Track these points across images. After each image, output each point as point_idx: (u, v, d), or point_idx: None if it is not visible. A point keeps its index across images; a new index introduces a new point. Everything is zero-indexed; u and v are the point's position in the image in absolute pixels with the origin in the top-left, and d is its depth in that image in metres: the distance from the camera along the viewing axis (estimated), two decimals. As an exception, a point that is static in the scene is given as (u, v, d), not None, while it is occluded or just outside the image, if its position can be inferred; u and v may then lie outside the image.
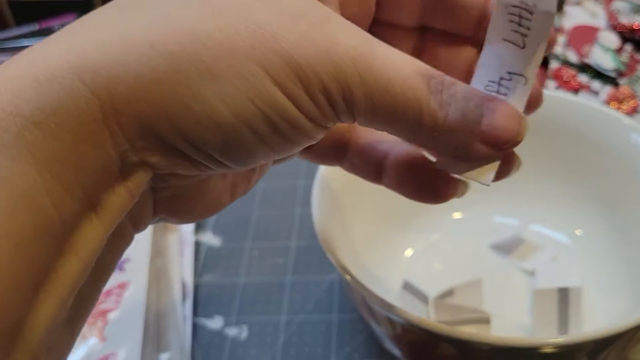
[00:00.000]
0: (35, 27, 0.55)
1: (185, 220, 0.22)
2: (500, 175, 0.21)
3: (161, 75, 0.16)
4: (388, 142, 0.24)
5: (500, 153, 0.20)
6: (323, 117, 0.18)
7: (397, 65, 0.18)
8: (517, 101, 0.20)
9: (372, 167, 0.24)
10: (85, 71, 0.15)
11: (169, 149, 0.17)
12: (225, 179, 0.22)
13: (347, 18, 0.19)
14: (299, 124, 0.18)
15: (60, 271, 0.15)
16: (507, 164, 0.21)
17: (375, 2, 0.22)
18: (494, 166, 0.20)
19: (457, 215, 0.39)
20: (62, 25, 0.55)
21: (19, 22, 0.57)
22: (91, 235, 0.16)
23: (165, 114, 0.16)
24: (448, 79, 0.19)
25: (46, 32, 0.54)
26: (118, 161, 0.16)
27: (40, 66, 0.15)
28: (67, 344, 0.17)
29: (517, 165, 0.22)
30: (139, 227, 0.19)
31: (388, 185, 0.24)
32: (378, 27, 0.23)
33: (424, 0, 0.22)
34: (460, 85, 0.19)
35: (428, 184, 0.23)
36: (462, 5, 0.22)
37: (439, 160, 0.21)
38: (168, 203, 0.20)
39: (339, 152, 0.25)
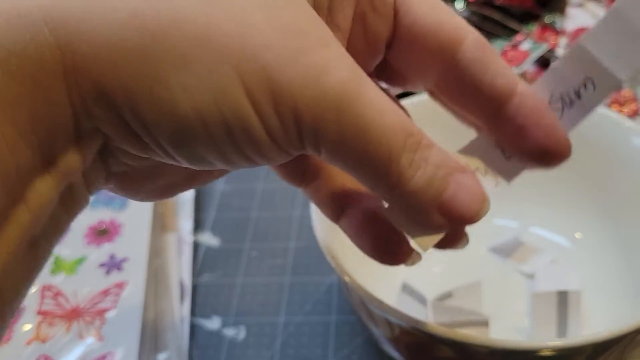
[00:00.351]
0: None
1: (134, 197, 0.21)
2: (443, 246, 0.21)
3: (130, 47, 0.15)
4: (361, 191, 0.23)
5: (454, 227, 0.20)
6: (287, 143, 0.17)
7: (380, 111, 0.17)
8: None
9: (335, 205, 0.23)
10: (55, 19, 0.15)
11: (122, 124, 0.16)
12: (183, 168, 0.21)
13: (352, 53, 0.18)
14: (259, 141, 0.17)
15: (11, 219, 0.15)
16: (454, 240, 0.22)
17: (384, 46, 0.21)
18: (437, 237, 0.20)
19: (456, 217, 0.39)
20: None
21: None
22: (43, 189, 0.15)
23: (124, 88, 0.15)
24: (426, 140, 0.18)
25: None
26: (73, 122, 0.16)
27: (11, 3, 0.15)
28: (18, 297, 0.17)
29: (464, 242, 0.22)
30: (92, 190, 0.18)
31: (344, 229, 0.23)
32: (384, 69, 0.22)
33: (444, 71, 0.20)
34: (435, 150, 0.18)
35: (384, 240, 0.22)
36: (483, 90, 0.20)
37: (390, 207, 0.20)
38: (119, 177, 0.19)
39: (306, 175, 0.24)
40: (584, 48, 0.20)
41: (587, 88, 0.20)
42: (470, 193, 0.19)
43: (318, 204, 0.24)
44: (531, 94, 0.20)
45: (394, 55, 0.21)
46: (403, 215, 0.20)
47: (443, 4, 0.20)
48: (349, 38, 0.20)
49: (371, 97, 0.17)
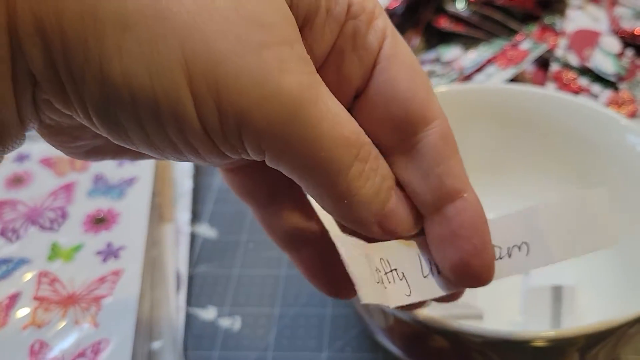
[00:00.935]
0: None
1: (62, 150, 0.20)
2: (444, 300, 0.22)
3: None
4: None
5: (391, 237, 0.20)
6: (223, 140, 0.16)
7: (336, 120, 0.16)
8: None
9: (289, 238, 0.23)
10: None
11: (52, 69, 0.15)
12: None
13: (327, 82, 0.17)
14: (190, 130, 0.15)
15: None
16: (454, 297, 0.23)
17: (353, 93, 0.20)
18: (380, 292, 0.20)
19: (453, 212, 0.39)
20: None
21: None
22: None
23: (61, 31, 0.14)
24: (375, 151, 0.18)
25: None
26: (9, 56, 0.15)
27: None
28: None
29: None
30: (24, 131, 0.17)
31: (295, 262, 0.23)
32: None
33: (399, 143, 0.19)
34: (383, 162, 0.18)
35: (334, 274, 0.22)
36: (430, 181, 0.20)
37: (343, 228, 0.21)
38: (48, 127, 0.18)
39: (267, 197, 0.23)
40: (537, 215, 0.21)
41: (521, 251, 0.21)
42: (410, 208, 0.20)
43: (270, 229, 0.23)
44: (475, 206, 0.20)
45: (357, 107, 0.20)
46: (347, 228, 0.20)
47: (426, 79, 0.19)
48: (319, 69, 0.18)
49: (328, 105, 0.16)
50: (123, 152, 0.21)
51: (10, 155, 0.44)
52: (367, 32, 0.19)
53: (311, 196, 0.19)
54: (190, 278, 0.39)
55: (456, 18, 0.50)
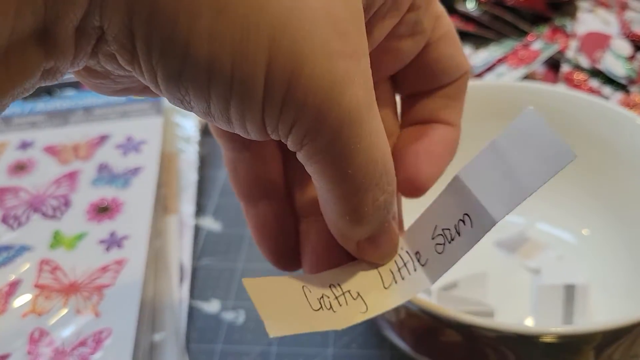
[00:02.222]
0: None
1: (90, 87, 0.19)
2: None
3: None
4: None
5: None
6: (274, 128, 0.17)
7: (375, 143, 0.17)
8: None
9: (252, 181, 0.23)
10: None
11: (129, 35, 0.15)
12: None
13: (373, 60, 0.18)
14: (250, 115, 0.16)
15: None
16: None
17: (402, 66, 0.22)
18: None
19: (462, 210, 0.39)
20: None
21: None
22: (30, 61, 0.14)
23: (152, 1, 0.14)
24: (394, 186, 0.19)
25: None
26: (84, 11, 0.14)
27: None
28: None
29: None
30: (66, 72, 0.17)
31: (248, 211, 0.23)
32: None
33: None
34: (394, 199, 0.19)
35: (281, 240, 0.23)
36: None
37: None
38: (88, 70, 0.18)
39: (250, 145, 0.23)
40: (461, 181, 0.20)
41: (466, 224, 0.20)
42: (389, 245, 0.21)
43: (235, 174, 0.23)
44: (455, 141, 0.23)
45: (401, 74, 0.22)
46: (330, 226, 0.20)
47: (461, 49, 0.23)
48: (376, 47, 0.20)
49: (372, 126, 0.17)
50: (150, 92, 0.21)
51: (14, 143, 0.43)
52: (424, 19, 0.21)
53: (319, 193, 0.19)
54: (194, 271, 0.38)
55: (467, 18, 0.50)
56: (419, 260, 0.21)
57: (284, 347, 0.33)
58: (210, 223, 0.42)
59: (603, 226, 0.35)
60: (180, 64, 0.15)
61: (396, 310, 0.27)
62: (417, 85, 0.23)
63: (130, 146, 0.42)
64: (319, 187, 0.19)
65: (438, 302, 0.32)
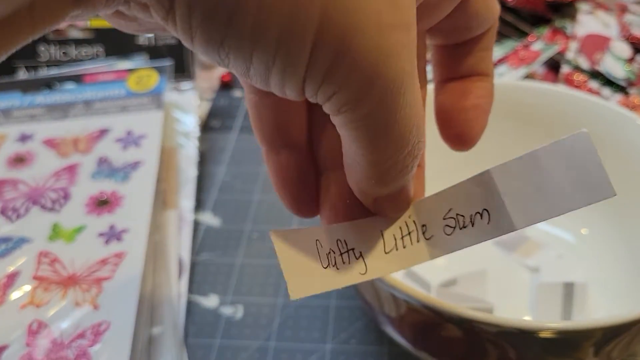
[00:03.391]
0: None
1: (115, 25, 0.19)
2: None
3: None
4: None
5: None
6: (313, 94, 0.16)
7: (413, 112, 0.17)
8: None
9: (275, 127, 0.22)
10: None
11: None
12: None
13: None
14: (291, 80, 0.16)
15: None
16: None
17: (439, 19, 0.22)
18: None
19: (462, 208, 0.39)
20: None
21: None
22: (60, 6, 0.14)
23: None
24: (422, 152, 0.19)
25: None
26: None
27: None
28: None
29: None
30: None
31: (269, 158, 0.22)
32: None
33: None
34: (419, 164, 0.20)
35: (301, 189, 0.22)
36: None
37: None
38: (117, 12, 0.18)
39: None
40: (492, 178, 0.20)
41: (483, 219, 0.20)
42: (405, 201, 0.21)
43: (259, 119, 0.22)
44: (491, 92, 0.23)
45: (437, 24, 0.22)
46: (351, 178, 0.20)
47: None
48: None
49: (413, 97, 0.17)
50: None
51: (13, 135, 0.43)
52: None
53: (346, 154, 0.19)
54: (193, 266, 0.38)
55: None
56: (424, 234, 0.21)
57: (282, 342, 0.33)
58: (209, 218, 0.42)
59: (602, 226, 0.35)
60: (223, 31, 0.15)
61: (397, 303, 0.27)
62: (452, 37, 0.23)
63: (130, 140, 0.42)
64: (349, 150, 0.18)
65: (437, 298, 0.32)
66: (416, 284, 0.34)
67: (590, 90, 0.45)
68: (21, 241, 0.35)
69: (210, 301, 0.36)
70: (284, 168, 0.22)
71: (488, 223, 0.20)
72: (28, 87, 0.47)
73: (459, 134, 0.23)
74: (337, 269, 0.20)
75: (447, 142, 0.23)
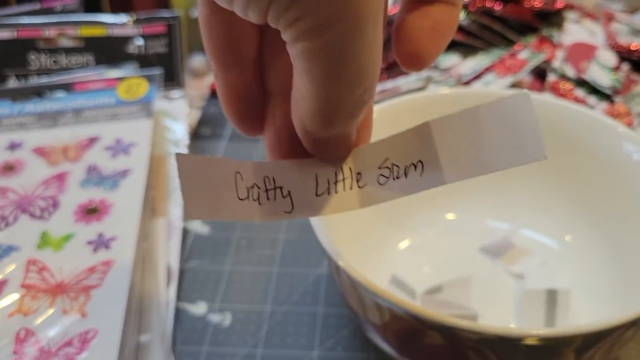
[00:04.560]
0: (36, 5, 0.55)
1: None
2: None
3: None
4: None
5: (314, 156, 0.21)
6: (276, 20, 0.16)
7: (375, 49, 0.17)
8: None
9: (227, 45, 0.22)
10: None
11: None
12: None
13: None
14: (255, 9, 0.16)
15: None
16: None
17: None
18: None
19: (450, 216, 0.39)
20: (64, 6, 0.55)
21: (21, 2, 0.57)
22: None
23: None
24: (371, 99, 0.19)
25: (47, 11, 0.54)
26: None
27: None
28: None
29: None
30: None
31: (218, 76, 0.22)
32: None
33: None
34: (367, 111, 0.19)
35: (248, 106, 0.22)
36: None
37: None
38: None
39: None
40: (430, 130, 0.20)
41: (417, 170, 0.20)
42: (344, 150, 0.20)
43: (210, 33, 0.22)
44: (456, 17, 0.21)
45: None
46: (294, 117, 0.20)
47: None
48: None
49: (374, 37, 0.17)
50: None
51: (2, 143, 0.43)
52: None
53: (296, 86, 0.19)
54: (181, 273, 0.38)
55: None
56: (357, 182, 0.21)
57: (269, 349, 0.34)
58: (198, 226, 0.42)
59: (585, 233, 0.36)
60: None
61: (380, 311, 0.27)
62: None
63: (119, 148, 0.42)
64: (299, 83, 0.18)
65: (422, 305, 0.32)
66: (401, 291, 0.34)
67: (576, 99, 0.46)
68: (9, 249, 0.35)
69: (198, 308, 0.36)
70: (232, 86, 0.22)
71: (421, 175, 0.20)
72: (18, 95, 0.47)
73: (412, 51, 0.21)
74: (260, 204, 0.20)
75: (399, 60, 0.22)
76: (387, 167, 0.21)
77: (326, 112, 0.18)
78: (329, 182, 0.21)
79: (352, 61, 0.17)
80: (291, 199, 0.20)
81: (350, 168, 0.21)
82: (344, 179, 0.21)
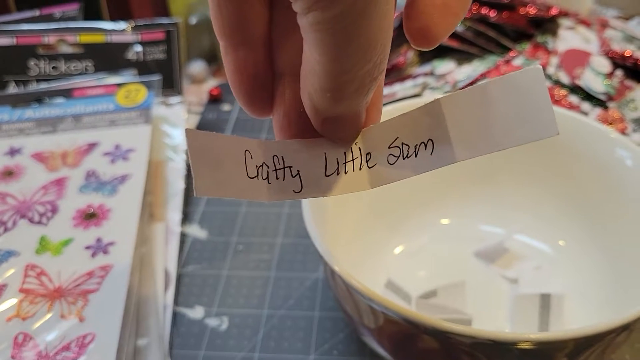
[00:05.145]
0: (36, 12, 0.56)
1: None
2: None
3: None
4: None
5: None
6: None
7: (387, 19, 0.17)
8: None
9: (238, 23, 0.22)
10: None
11: None
12: None
13: None
14: None
15: None
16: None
17: None
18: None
19: (444, 221, 0.39)
20: (63, 13, 0.55)
21: (20, 9, 0.57)
22: None
23: None
24: (384, 72, 0.18)
25: (47, 18, 0.55)
26: None
27: None
28: None
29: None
30: None
31: (227, 54, 0.22)
32: None
33: None
34: (379, 85, 0.19)
35: (257, 86, 0.22)
36: None
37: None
38: None
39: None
40: (440, 107, 0.20)
41: (427, 149, 0.20)
42: (353, 130, 0.20)
43: (220, 12, 0.21)
44: None
45: None
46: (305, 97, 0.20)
47: None
48: None
49: (387, 8, 0.17)
50: None
51: (2, 149, 0.43)
52: None
53: (305, 61, 0.19)
54: (179, 277, 0.39)
55: (451, 34, 0.51)
56: (367, 162, 0.21)
57: (266, 353, 0.34)
58: (196, 231, 0.42)
59: (579, 237, 0.36)
60: None
61: (375, 315, 0.27)
62: None
63: (118, 154, 0.43)
64: (309, 56, 0.18)
65: (417, 310, 0.33)
66: (397, 295, 0.34)
67: (570, 105, 0.46)
68: (8, 254, 0.36)
69: (195, 313, 0.37)
70: (241, 65, 0.21)
71: (431, 154, 0.20)
72: (18, 101, 0.47)
73: (422, 27, 0.21)
74: (269, 182, 0.20)
75: (409, 36, 0.21)
76: (397, 147, 0.20)
77: (336, 86, 0.18)
78: (338, 162, 0.21)
79: (364, 32, 0.17)
80: (300, 178, 0.20)
81: (359, 148, 0.21)
82: (353, 159, 0.21)
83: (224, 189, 0.18)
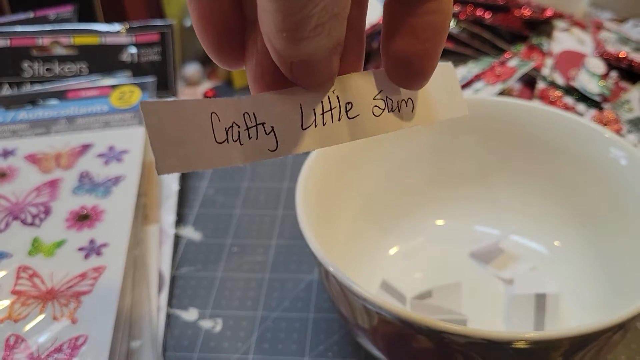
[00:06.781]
0: (30, 14, 0.55)
1: None
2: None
3: None
4: None
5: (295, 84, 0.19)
6: None
7: None
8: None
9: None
10: None
11: None
12: None
13: None
14: None
15: None
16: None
17: None
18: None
19: (439, 222, 0.39)
20: (58, 15, 0.55)
21: (15, 11, 0.57)
22: None
23: None
24: (345, 10, 0.17)
25: (41, 20, 0.54)
26: None
27: None
28: None
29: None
30: None
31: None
32: None
33: None
34: (342, 25, 0.18)
35: (225, 36, 0.20)
36: None
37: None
38: None
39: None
40: None
41: (408, 106, 0.20)
42: (324, 74, 0.19)
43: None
44: (448, 14, 0.19)
45: None
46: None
47: None
48: None
49: None
50: None
51: (-6, 151, 0.43)
52: None
53: (260, 10, 0.17)
54: (173, 279, 0.39)
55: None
56: (347, 112, 0.20)
57: (260, 355, 0.34)
58: (190, 232, 0.42)
59: (574, 238, 0.36)
60: None
61: (369, 315, 0.27)
62: None
63: (111, 155, 0.43)
64: None
65: (412, 310, 0.32)
66: (391, 296, 0.34)
67: (565, 106, 0.46)
68: (1, 256, 0.35)
69: (189, 315, 0.36)
70: (207, 12, 0.20)
71: (412, 111, 0.20)
72: (11, 103, 0.47)
73: (402, 52, 0.19)
74: (241, 144, 0.18)
75: (390, 72, 0.20)
76: (382, 99, 0.20)
77: (290, 25, 0.17)
78: (315, 113, 0.19)
79: None
80: (275, 135, 0.19)
81: (337, 97, 0.19)
82: (331, 109, 0.19)
83: (190, 163, 0.17)
